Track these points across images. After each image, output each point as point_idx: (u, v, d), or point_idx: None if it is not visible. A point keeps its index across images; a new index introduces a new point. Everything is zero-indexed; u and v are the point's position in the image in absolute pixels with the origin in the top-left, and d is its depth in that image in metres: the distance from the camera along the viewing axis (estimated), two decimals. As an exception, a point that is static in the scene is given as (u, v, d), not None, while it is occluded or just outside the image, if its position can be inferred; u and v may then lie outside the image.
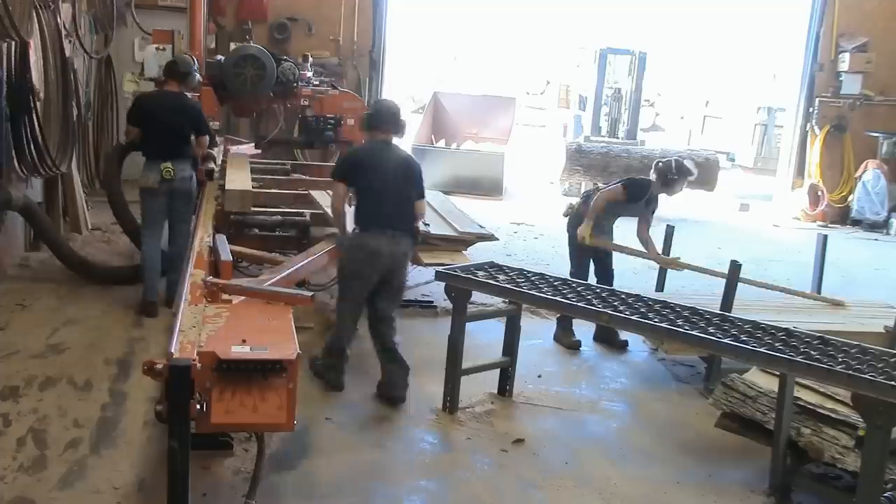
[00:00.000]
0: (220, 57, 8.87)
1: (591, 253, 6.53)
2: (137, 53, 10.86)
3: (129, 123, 6.55)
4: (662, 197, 6.64)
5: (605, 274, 6.63)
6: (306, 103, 8.82)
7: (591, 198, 6.56)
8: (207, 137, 6.64)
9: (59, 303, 6.40)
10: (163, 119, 6.30)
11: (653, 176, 6.44)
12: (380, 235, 4.96)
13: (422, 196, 5.24)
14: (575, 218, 6.62)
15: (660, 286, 6.81)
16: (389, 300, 5.18)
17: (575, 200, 7.26)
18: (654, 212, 6.66)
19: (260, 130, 9.86)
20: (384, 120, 5.11)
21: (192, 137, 6.49)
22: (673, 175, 6.35)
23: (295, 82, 8.63)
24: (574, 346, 6.39)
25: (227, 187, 6.33)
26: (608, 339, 6.50)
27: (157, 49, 9.02)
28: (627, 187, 6.45)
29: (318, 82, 9.36)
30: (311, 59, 9.90)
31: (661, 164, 6.45)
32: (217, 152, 7.23)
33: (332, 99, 8.85)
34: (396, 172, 5.06)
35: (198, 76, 6.88)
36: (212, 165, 6.74)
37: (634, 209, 6.52)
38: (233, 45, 11.99)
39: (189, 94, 6.78)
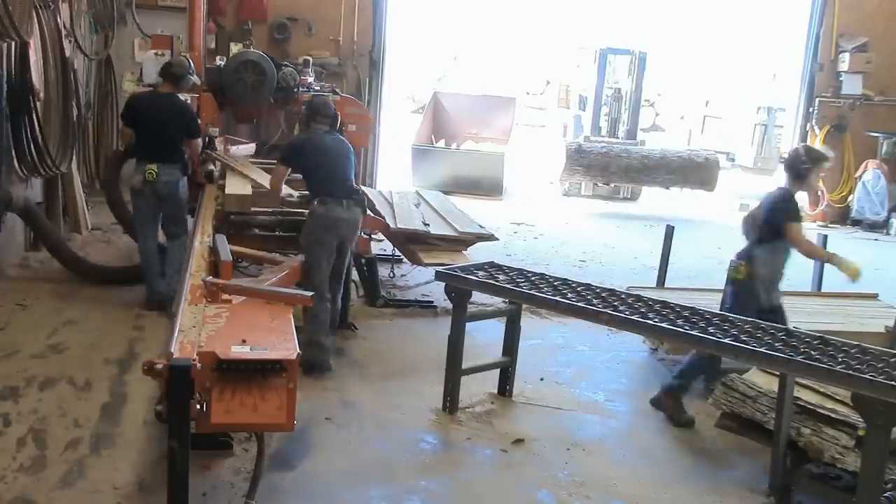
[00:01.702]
0: (219, 62, 8.91)
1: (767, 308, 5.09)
2: (137, 53, 10.87)
3: (124, 124, 6.66)
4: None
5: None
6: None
7: (774, 229, 5.09)
8: (199, 140, 6.62)
9: (59, 303, 6.40)
10: (151, 121, 6.31)
11: (785, 176, 5.20)
12: (337, 204, 5.52)
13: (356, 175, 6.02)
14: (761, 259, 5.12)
15: (660, 284, 6.82)
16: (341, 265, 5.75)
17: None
18: None
19: (261, 135, 9.86)
20: (321, 113, 5.82)
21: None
22: (804, 163, 5.07)
23: (295, 88, 8.64)
24: (688, 424, 5.12)
25: (227, 191, 6.30)
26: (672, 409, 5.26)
27: (157, 55, 9.08)
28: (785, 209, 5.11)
29: (318, 87, 9.35)
30: (311, 63, 9.92)
31: (785, 156, 5.40)
32: (216, 153, 7.21)
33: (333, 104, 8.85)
34: (340, 154, 5.73)
35: (194, 79, 6.83)
36: (211, 167, 6.74)
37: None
38: (233, 45, 12.04)
39: (184, 97, 6.77)
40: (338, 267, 5.70)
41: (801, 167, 5.08)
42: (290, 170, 5.79)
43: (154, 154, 6.27)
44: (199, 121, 6.92)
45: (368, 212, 6.55)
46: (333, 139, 5.81)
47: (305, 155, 5.71)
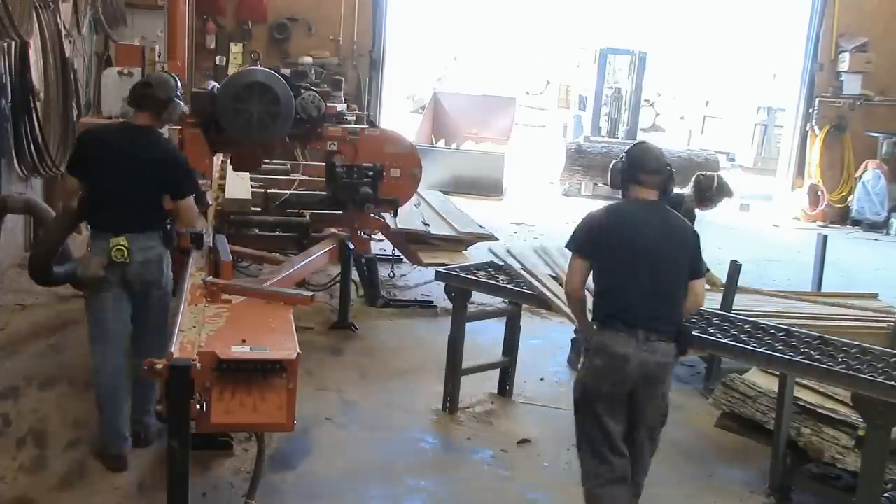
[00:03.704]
0: (212, 85, 6.46)
1: None
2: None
3: (70, 172, 4.41)
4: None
5: None
6: (334, 147, 6.41)
7: None
8: (191, 198, 4.28)
9: (60, 303, 6.39)
10: (120, 169, 4.12)
11: (690, 189, 5.81)
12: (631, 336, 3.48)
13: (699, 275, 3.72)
14: None
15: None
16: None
17: None
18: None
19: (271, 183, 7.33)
20: (648, 169, 3.65)
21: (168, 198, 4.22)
22: (712, 193, 5.74)
23: (320, 120, 6.17)
24: None
25: (227, 195, 6.26)
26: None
27: (121, 73, 6.68)
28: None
29: (351, 116, 6.97)
30: (343, 88, 7.61)
31: (702, 177, 5.86)
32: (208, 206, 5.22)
33: (369, 141, 6.46)
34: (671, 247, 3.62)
35: (182, 106, 4.45)
36: (200, 228, 4.62)
37: None
38: (232, 45, 12.04)
39: (164, 131, 4.72)
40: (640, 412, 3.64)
41: (705, 194, 5.68)
42: (589, 262, 3.60)
43: (121, 220, 4.07)
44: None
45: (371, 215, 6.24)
46: (665, 220, 3.63)
47: (603, 244, 3.58)
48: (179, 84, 4.43)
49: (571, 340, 6.04)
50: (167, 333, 3.82)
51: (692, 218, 5.69)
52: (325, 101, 6.17)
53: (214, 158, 6.19)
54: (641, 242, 3.52)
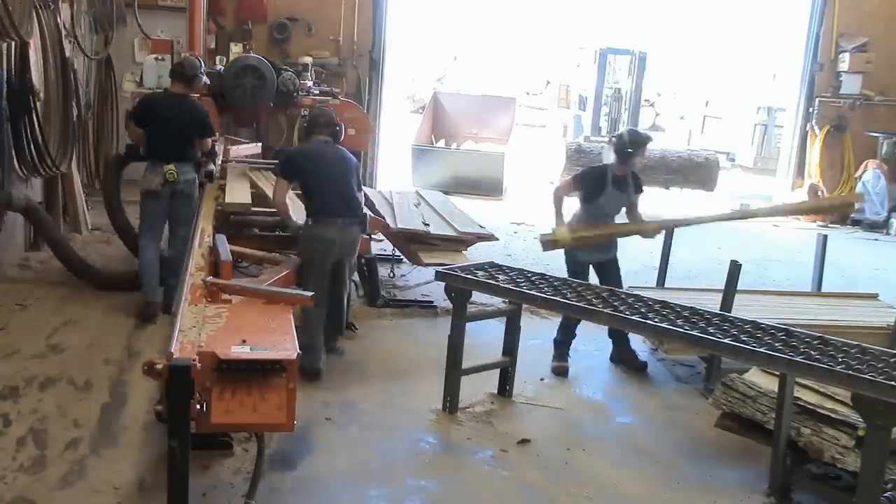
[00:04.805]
0: (219, 66, 8.97)
1: (580, 263, 5.91)
2: (138, 54, 10.86)
3: (134, 123, 6.43)
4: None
5: (615, 284, 5.75)
6: (306, 113, 8.40)
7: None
8: (211, 140, 6.56)
9: (59, 303, 6.40)
10: (168, 121, 6.20)
11: (609, 157, 5.95)
12: (331, 224, 5.35)
13: (360, 188, 5.75)
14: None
15: (660, 284, 6.81)
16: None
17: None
18: (639, 194, 6.01)
19: (261, 139, 9.75)
20: (320, 124, 5.67)
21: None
22: (628, 149, 5.81)
23: (295, 92, 8.79)
24: (561, 372, 5.83)
25: (226, 199, 6.29)
26: (625, 359, 6.04)
27: (157, 59, 9.24)
28: (581, 179, 5.99)
29: (318, 91, 9.42)
30: (311, 66, 10.00)
31: (614, 139, 5.99)
32: (217, 154, 7.15)
33: (332, 108, 8.49)
34: (340, 167, 5.53)
35: (205, 78, 6.90)
36: (212, 167, 6.70)
37: (615, 201, 5.91)
38: (233, 45, 12.05)
39: (194, 96, 6.73)
40: (338, 277, 5.53)
41: (624, 151, 5.81)
42: (290, 182, 5.57)
43: (171, 154, 6.16)
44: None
45: (369, 213, 6.49)
46: (333, 150, 5.60)
47: (301, 167, 5.51)
48: (203, 65, 6.74)
49: (554, 341, 5.98)
50: (190, 221, 5.95)
51: (638, 183, 6.03)
52: (300, 78, 8.99)
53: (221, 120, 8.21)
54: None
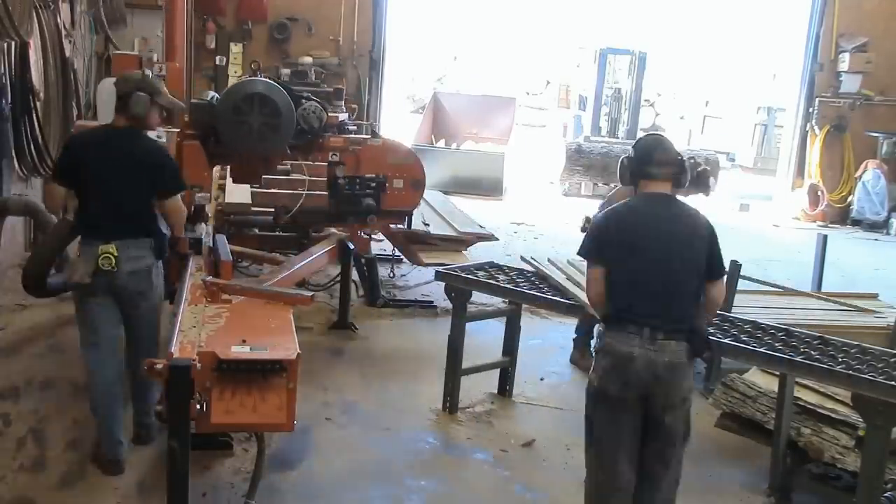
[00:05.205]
0: (211, 95, 6.09)
1: None
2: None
3: (57, 179, 4.30)
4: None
5: None
6: (336, 158, 6.14)
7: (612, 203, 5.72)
8: (179, 198, 4.20)
9: (60, 303, 6.39)
10: (103, 172, 4.01)
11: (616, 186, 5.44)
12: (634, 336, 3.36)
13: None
14: None
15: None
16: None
17: (591, 213, 5.32)
18: None
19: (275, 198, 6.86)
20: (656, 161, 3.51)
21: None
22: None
23: (322, 130, 5.88)
24: (585, 367, 5.21)
25: (226, 200, 6.25)
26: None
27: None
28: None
29: (353, 126, 6.64)
30: (343, 95, 7.20)
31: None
32: (206, 213, 5.35)
33: (371, 151, 6.20)
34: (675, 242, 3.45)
35: (176, 103, 4.56)
36: (200, 230, 4.82)
37: None
38: (232, 45, 12.04)
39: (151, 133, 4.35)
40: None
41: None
42: (604, 271, 3.45)
43: (109, 227, 3.96)
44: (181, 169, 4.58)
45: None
46: (675, 214, 3.48)
47: (612, 245, 3.46)
48: (152, 77, 4.28)
49: (574, 339, 6.05)
50: (156, 345, 4.01)
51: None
52: (326, 110, 5.88)
53: (213, 171, 5.98)
54: (645, 238, 3.37)
